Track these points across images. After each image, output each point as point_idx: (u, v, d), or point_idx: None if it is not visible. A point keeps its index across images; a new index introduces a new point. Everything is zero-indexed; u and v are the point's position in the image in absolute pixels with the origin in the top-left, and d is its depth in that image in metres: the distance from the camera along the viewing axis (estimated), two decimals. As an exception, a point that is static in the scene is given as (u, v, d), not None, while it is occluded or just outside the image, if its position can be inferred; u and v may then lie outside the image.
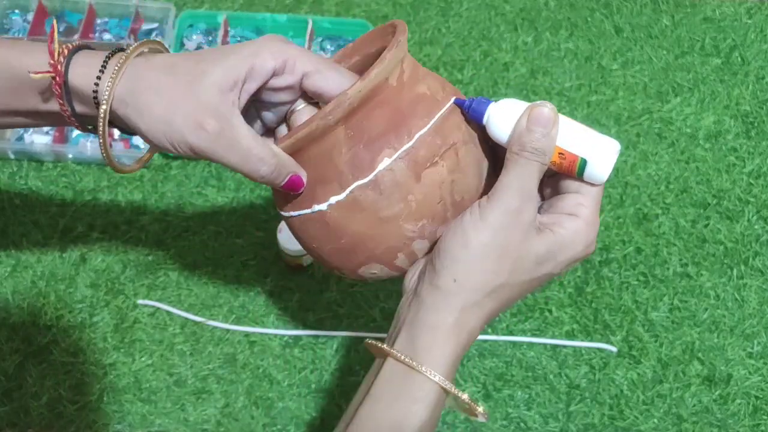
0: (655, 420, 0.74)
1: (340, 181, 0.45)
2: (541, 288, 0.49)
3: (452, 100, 0.47)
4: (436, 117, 0.46)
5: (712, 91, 0.93)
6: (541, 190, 0.47)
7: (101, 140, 0.45)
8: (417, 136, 0.45)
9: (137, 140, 0.85)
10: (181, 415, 0.72)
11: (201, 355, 0.75)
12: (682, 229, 0.84)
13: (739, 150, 0.90)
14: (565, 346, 0.77)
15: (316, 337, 0.76)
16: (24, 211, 0.81)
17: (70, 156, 0.83)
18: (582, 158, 0.44)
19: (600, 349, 0.77)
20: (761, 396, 0.76)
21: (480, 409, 0.45)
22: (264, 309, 0.78)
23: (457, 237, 0.44)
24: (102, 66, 0.44)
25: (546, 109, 0.43)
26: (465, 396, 0.44)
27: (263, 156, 0.44)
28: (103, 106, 0.43)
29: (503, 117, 0.45)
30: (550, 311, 0.79)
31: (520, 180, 0.44)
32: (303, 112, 0.49)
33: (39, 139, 0.83)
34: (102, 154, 0.46)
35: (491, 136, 0.46)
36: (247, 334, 0.76)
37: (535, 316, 0.78)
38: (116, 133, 0.85)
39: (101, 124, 0.44)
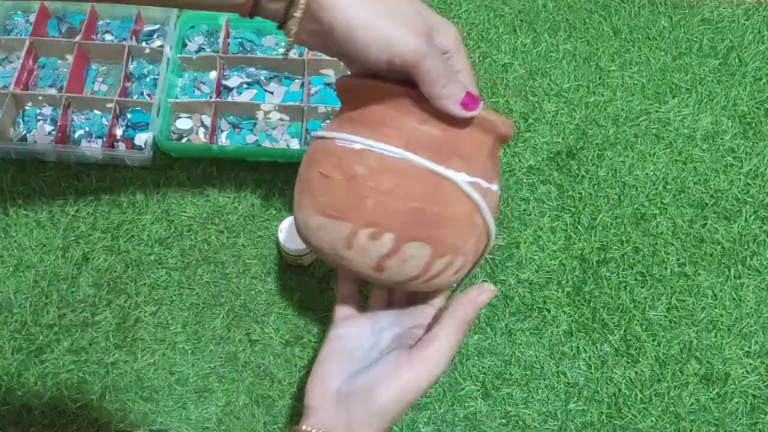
0: (653, 418, 0.75)
1: None
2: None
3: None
4: None
5: (710, 92, 0.94)
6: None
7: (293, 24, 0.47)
8: None
9: (139, 141, 0.85)
10: (183, 413, 0.73)
11: (202, 354, 0.75)
12: (680, 229, 0.85)
13: (736, 150, 0.90)
14: (563, 345, 0.78)
15: (317, 335, 0.77)
16: (27, 210, 0.81)
17: (73, 156, 0.83)
18: None
19: (598, 348, 0.78)
20: (758, 395, 0.77)
21: None
22: (265, 308, 0.78)
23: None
24: None
25: None
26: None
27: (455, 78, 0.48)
28: None
29: None
30: (548, 310, 0.79)
31: None
32: None
33: (42, 139, 0.84)
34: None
35: None
36: (248, 333, 0.77)
37: (534, 315, 0.79)
38: (119, 133, 0.85)
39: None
